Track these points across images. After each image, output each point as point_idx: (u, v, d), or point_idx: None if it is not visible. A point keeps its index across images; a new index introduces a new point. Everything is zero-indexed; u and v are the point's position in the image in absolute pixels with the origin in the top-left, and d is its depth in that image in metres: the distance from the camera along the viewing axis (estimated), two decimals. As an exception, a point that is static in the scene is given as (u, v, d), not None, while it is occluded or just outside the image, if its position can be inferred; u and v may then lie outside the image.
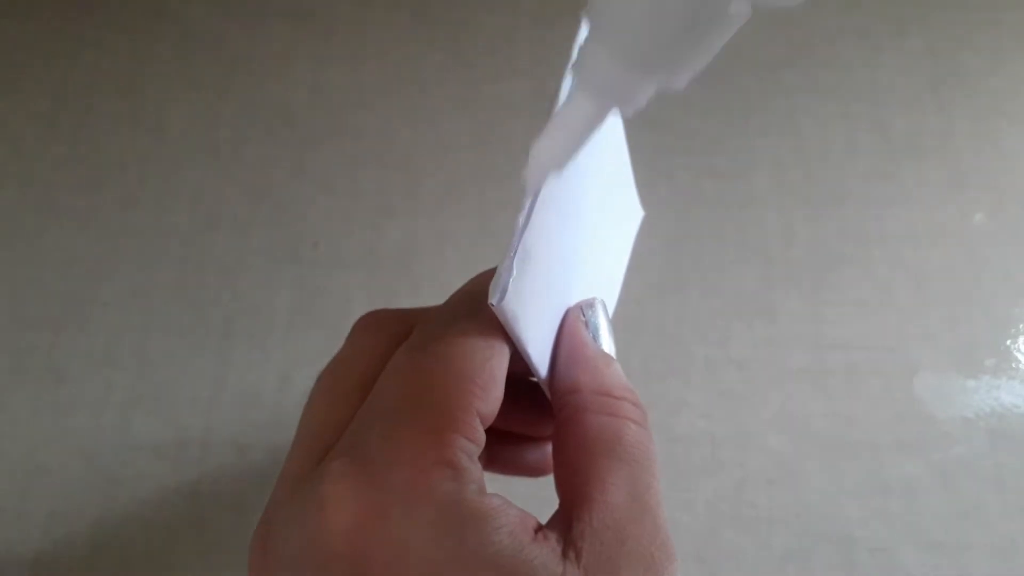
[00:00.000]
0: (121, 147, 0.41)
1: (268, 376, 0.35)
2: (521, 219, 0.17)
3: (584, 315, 0.20)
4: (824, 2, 0.43)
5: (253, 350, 0.35)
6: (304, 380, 0.35)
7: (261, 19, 0.45)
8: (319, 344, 0.35)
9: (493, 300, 0.16)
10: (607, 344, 0.20)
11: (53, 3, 0.46)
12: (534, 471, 0.24)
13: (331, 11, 0.45)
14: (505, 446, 0.23)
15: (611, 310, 0.23)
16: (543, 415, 0.22)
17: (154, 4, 0.46)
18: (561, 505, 0.17)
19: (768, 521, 0.31)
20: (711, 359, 0.35)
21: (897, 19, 0.43)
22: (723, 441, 0.33)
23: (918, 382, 0.34)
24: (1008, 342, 0.35)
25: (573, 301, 0.21)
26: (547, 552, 0.14)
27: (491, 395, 0.16)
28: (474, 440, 0.15)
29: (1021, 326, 0.35)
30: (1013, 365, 0.34)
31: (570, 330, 0.20)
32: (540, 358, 0.19)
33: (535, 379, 0.20)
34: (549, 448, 0.22)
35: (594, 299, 0.21)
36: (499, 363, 0.17)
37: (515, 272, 0.16)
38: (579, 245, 0.21)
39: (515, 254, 0.16)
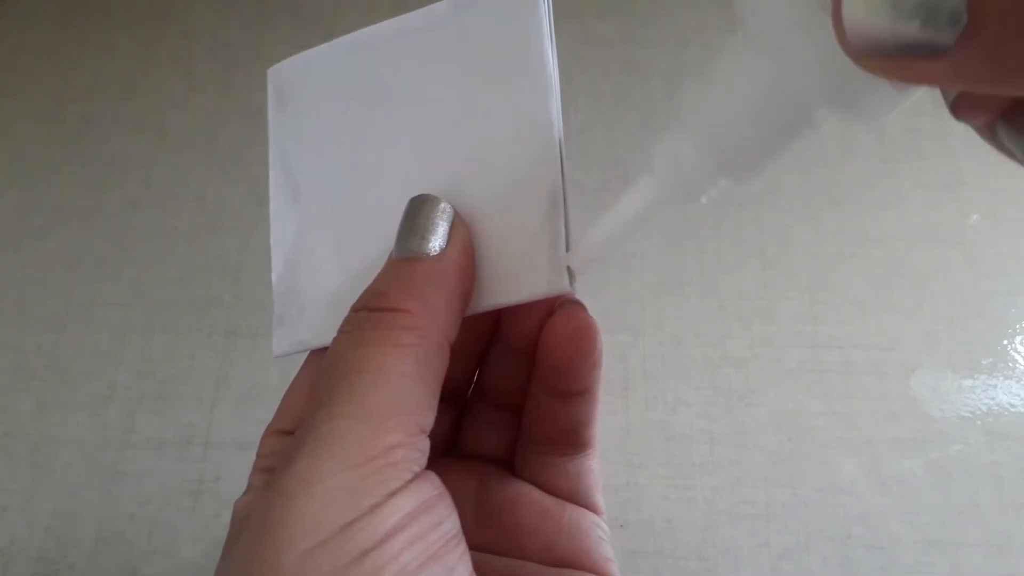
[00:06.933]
0: (124, 149, 0.42)
1: (270, 375, 0.35)
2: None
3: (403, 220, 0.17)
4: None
5: (255, 349, 0.36)
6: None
7: (263, 21, 0.45)
8: (321, 343, 0.36)
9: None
10: (433, 242, 0.16)
11: (56, 5, 0.47)
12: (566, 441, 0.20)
13: (333, 14, 0.45)
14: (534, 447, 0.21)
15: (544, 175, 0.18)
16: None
17: (157, 6, 0.46)
18: None
19: (766, 519, 0.32)
20: (709, 358, 0.35)
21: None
22: (721, 439, 0.33)
23: (915, 381, 0.34)
24: (1004, 342, 0.35)
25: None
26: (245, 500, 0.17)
27: (283, 415, 0.19)
28: (271, 454, 0.18)
29: (1017, 326, 0.35)
30: (1010, 364, 0.35)
31: None
32: None
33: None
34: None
35: (417, 196, 0.17)
36: (292, 389, 0.20)
37: (279, 310, 0.20)
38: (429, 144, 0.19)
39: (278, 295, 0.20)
